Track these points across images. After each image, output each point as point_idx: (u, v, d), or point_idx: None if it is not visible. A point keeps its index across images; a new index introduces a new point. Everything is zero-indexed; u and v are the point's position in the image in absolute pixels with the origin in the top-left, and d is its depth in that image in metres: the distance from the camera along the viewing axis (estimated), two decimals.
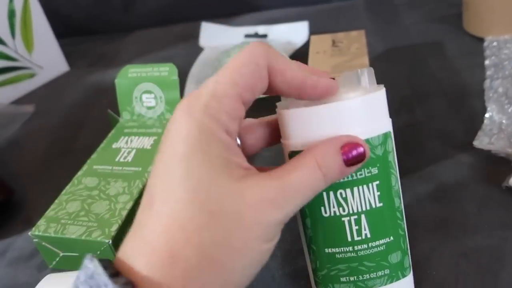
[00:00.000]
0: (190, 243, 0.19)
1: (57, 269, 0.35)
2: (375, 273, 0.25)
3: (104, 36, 0.76)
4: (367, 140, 0.23)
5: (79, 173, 0.38)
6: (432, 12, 0.61)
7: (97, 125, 0.52)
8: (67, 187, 0.37)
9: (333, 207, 0.24)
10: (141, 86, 0.44)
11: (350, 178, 0.24)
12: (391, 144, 0.25)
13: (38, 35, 0.62)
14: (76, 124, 0.54)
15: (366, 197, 0.24)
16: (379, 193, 0.24)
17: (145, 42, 0.71)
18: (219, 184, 0.20)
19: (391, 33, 0.58)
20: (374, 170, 0.24)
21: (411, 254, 0.30)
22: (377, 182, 0.24)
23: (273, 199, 0.20)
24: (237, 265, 0.20)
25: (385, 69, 0.51)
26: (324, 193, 0.24)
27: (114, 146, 0.41)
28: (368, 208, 0.24)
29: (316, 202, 0.24)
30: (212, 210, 0.19)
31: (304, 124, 0.24)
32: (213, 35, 0.62)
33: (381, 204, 0.24)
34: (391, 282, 0.25)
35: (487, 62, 0.45)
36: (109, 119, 0.47)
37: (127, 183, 0.36)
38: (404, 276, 0.26)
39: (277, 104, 0.26)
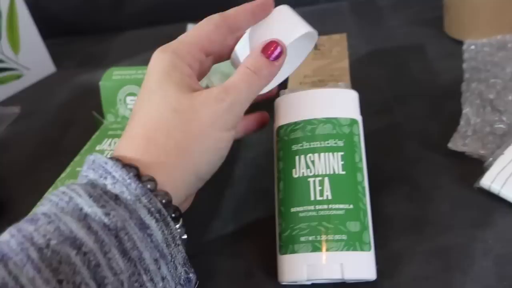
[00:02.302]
0: (160, 130, 0.26)
1: None
2: (332, 236, 0.27)
3: (92, 36, 0.76)
4: (335, 119, 0.30)
5: (62, 175, 0.39)
6: (415, 15, 0.62)
7: (84, 126, 0.53)
8: (50, 190, 0.37)
9: (302, 168, 0.29)
10: (125, 88, 0.44)
11: (318, 145, 0.29)
12: (358, 130, 0.30)
13: (25, 36, 0.62)
14: (63, 125, 0.54)
15: (330, 163, 0.28)
16: (342, 162, 0.28)
17: (133, 43, 0.71)
18: (180, 93, 0.27)
19: (374, 35, 0.59)
20: (340, 143, 0.29)
21: (384, 252, 0.31)
22: (342, 153, 0.29)
23: (216, 95, 0.27)
24: (197, 148, 0.26)
25: (367, 71, 0.52)
26: (297, 157, 0.29)
27: (97, 148, 0.41)
28: (331, 172, 0.28)
29: (289, 165, 0.29)
30: (175, 107, 0.27)
31: (288, 105, 0.32)
32: None
33: (343, 173, 0.28)
34: (348, 249, 0.27)
35: (465, 65, 0.46)
36: (94, 121, 0.47)
37: None
38: (362, 249, 0.27)
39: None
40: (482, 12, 0.48)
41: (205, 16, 0.81)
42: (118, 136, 0.42)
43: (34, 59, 0.65)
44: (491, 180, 0.33)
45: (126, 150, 0.26)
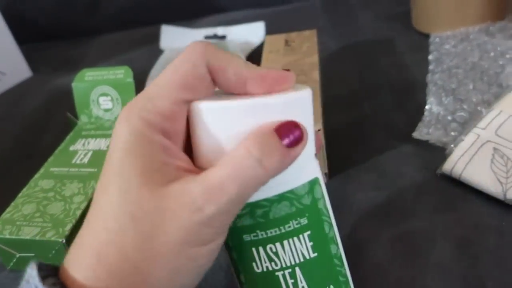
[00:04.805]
0: (113, 244, 0.19)
1: (15, 270, 0.36)
2: None
3: (67, 40, 0.76)
4: (291, 191, 0.22)
5: (36, 175, 0.39)
6: (384, 10, 0.64)
7: (59, 129, 0.53)
8: (24, 190, 0.38)
9: (265, 262, 0.23)
10: (98, 89, 0.45)
11: (278, 232, 0.22)
12: (320, 190, 0.23)
13: None
14: (38, 128, 0.54)
15: (298, 249, 0.22)
16: (312, 243, 0.23)
17: (108, 45, 0.71)
18: (144, 189, 0.19)
19: (345, 31, 0.61)
20: (304, 221, 0.22)
21: (351, 239, 0.32)
22: (308, 232, 0.23)
23: (193, 201, 0.19)
24: (162, 272, 0.19)
25: (337, 66, 0.53)
26: (254, 249, 0.22)
27: (71, 148, 0.42)
28: (302, 260, 0.23)
29: (247, 257, 0.23)
30: (134, 213, 0.19)
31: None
32: (173, 38, 0.63)
33: (315, 254, 0.23)
34: None
35: (430, 57, 0.48)
36: (69, 122, 0.47)
37: (83, 184, 0.37)
38: None
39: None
40: (445, 5, 0.50)
41: (179, 18, 0.81)
42: (92, 136, 0.43)
43: (10, 64, 0.65)
44: (452, 166, 0.34)
45: (73, 263, 0.20)
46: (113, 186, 0.20)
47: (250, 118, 0.20)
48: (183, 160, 0.21)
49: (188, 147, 0.22)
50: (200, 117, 0.21)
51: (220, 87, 0.22)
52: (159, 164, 0.20)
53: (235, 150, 0.20)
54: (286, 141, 0.20)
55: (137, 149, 0.20)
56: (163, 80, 0.21)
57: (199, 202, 0.19)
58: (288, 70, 0.22)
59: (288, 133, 0.20)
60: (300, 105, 0.21)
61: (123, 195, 0.19)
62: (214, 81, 0.21)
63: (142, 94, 0.21)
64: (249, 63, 0.21)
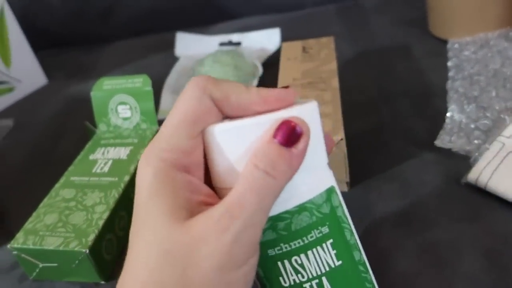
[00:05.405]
0: (153, 282, 0.20)
1: (38, 280, 0.36)
2: None
3: (82, 47, 0.76)
4: (309, 201, 0.23)
5: (57, 185, 0.39)
6: (399, 15, 0.63)
7: (76, 136, 0.53)
8: (45, 199, 0.38)
9: (292, 275, 0.23)
10: (116, 97, 0.45)
11: (301, 243, 0.23)
12: (337, 198, 0.24)
13: (16, 49, 0.63)
14: (55, 135, 0.55)
15: (322, 258, 0.23)
16: (335, 251, 0.23)
17: (122, 52, 0.72)
18: (173, 225, 0.20)
19: (361, 37, 0.60)
20: (325, 229, 0.23)
21: (374, 249, 0.31)
22: (331, 240, 0.23)
23: (217, 223, 0.20)
24: None
25: (354, 73, 0.53)
26: (279, 263, 0.23)
27: (91, 157, 0.42)
28: (327, 269, 0.23)
29: (274, 272, 0.23)
30: (168, 250, 0.20)
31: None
32: (188, 45, 0.63)
33: (340, 262, 0.23)
34: None
35: (449, 63, 0.47)
36: (87, 131, 0.48)
37: (104, 193, 0.37)
38: None
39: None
40: (463, 11, 0.50)
41: (193, 25, 0.81)
42: (111, 145, 0.43)
43: (26, 71, 0.65)
44: (477, 175, 0.34)
45: None
46: (144, 227, 0.21)
47: (258, 134, 0.21)
48: (205, 193, 0.22)
49: (209, 175, 0.23)
50: (213, 139, 0.22)
51: (227, 115, 0.23)
52: (183, 201, 0.21)
53: (244, 168, 0.21)
54: (286, 142, 0.21)
55: (162, 189, 0.21)
56: (174, 119, 0.22)
57: (224, 222, 0.20)
58: (287, 87, 0.23)
59: (286, 132, 0.21)
60: (307, 115, 0.22)
61: (155, 234, 0.21)
62: (220, 110, 0.22)
63: (156, 137, 0.22)
64: (250, 87, 0.23)
